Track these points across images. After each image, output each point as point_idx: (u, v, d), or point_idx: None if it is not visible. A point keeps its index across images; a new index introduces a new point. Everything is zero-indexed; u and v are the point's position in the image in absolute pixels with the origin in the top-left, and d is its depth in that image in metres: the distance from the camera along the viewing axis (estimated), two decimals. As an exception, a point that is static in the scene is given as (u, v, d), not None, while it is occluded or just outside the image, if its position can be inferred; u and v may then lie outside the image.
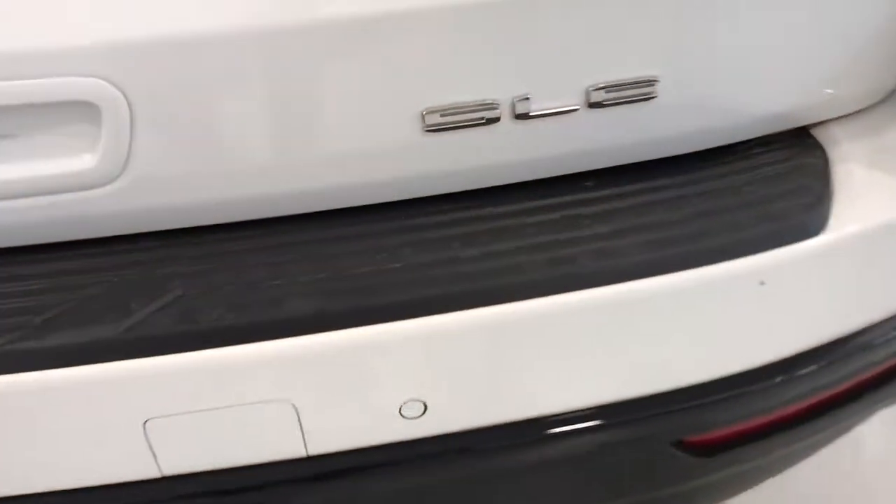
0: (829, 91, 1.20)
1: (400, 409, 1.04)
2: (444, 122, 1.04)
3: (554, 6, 1.01)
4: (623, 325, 1.05)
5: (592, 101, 1.07)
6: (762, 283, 1.06)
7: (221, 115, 1.01)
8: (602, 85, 1.06)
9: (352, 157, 1.06)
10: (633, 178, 1.16)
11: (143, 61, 0.96)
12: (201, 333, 0.97)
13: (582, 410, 1.11)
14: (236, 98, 1.01)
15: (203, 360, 0.97)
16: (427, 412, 1.05)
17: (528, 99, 1.05)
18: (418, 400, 1.04)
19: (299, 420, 1.02)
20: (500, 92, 1.04)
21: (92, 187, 1.02)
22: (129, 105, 0.98)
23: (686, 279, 1.03)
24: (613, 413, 1.12)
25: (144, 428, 1.00)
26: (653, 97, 1.09)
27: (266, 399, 1.01)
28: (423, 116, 1.02)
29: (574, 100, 1.07)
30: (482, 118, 1.05)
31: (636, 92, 1.08)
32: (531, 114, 1.06)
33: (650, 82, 1.08)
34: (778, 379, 1.16)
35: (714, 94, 1.13)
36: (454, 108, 1.03)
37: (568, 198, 1.12)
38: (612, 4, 1.03)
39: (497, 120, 1.05)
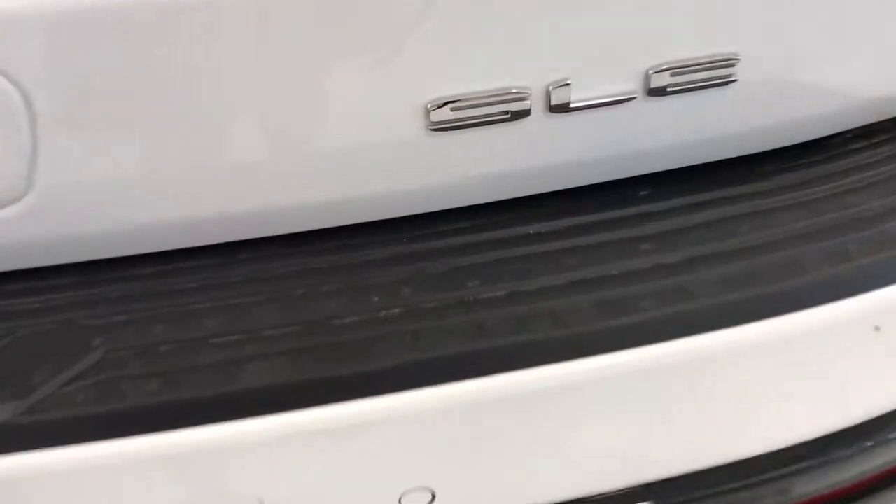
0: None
1: (400, 501, 0.78)
2: (456, 119, 0.79)
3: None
4: (695, 390, 0.79)
5: (653, 86, 0.82)
6: (877, 329, 0.80)
7: (158, 109, 0.75)
8: (666, 66, 0.81)
9: (334, 163, 0.81)
10: (701, 184, 0.90)
11: (41, 41, 0.70)
12: (131, 415, 0.71)
13: (635, 489, 0.86)
14: (177, 86, 0.74)
15: (135, 450, 0.71)
16: (435, 503, 0.79)
17: (567, 85, 0.80)
18: (425, 488, 0.78)
19: (268, 518, 0.77)
20: (531, 77, 0.79)
21: (-14, 209, 0.76)
22: (26, 101, 0.72)
23: (780, 328, 0.77)
24: (677, 490, 0.87)
25: (59, 534, 0.75)
26: (731, 81, 0.84)
27: (223, 495, 0.75)
28: (427, 111, 0.78)
29: (629, 85, 0.82)
30: (506, 112, 0.80)
31: (710, 75, 0.84)
32: (572, 105, 0.81)
33: (728, 62, 0.82)
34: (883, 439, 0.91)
35: (807, 75, 0.88)
36: (469, 100, 0.79)
37: (619, 212, 0.87)
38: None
39: (526, 114, 0.80)
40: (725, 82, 0.83)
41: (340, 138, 0.79)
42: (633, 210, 0.87)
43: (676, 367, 0.77)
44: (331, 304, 0.78)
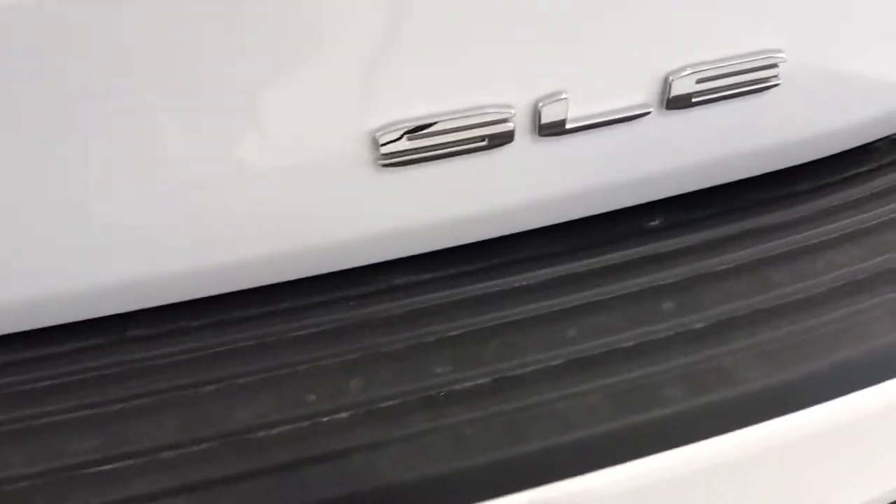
0: None
1: None
2: (414, 149, 0.59)
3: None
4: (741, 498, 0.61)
5: (674, 96, 0.62)
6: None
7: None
8: (691, 70, 0.61)
9: (256, 208, 0.60)
10: (722, 210, 0.72)
11: None
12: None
13: None
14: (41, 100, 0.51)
15: None
16: None
17: (562, 100, 0.59)
18: None
19: None
20: (514, 91, 0.59)
21: None
22: None
23: (842, 413, 0.60)
24: None
25: None
26: (772, 85, 0.64)
27: None
28: (375, 141, 0.57)
29: (643, 96, 0.62)
30: (481, 138, 0.60)
31: (747, 79, 0.64)
32: (568, 125, 0.60)
33: (771, 62, 0.62)
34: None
35: (864, 71, 0.69)
36: (431, 125, 0.57)
37: (626, 253, 0.69)
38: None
39: (508, 138, 0.61)
40: (765, 87, 0.63)
41: (263, 177, 0.58)
42: (643, 249, 0.68)
43: (713, 472, 0.59)
44: (252, 409, 0.58)
